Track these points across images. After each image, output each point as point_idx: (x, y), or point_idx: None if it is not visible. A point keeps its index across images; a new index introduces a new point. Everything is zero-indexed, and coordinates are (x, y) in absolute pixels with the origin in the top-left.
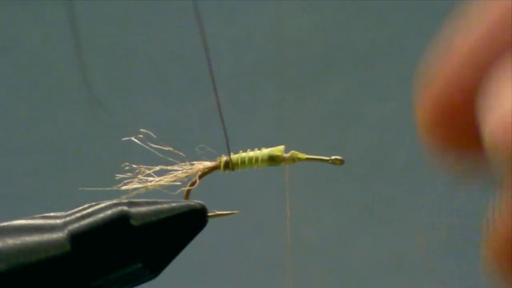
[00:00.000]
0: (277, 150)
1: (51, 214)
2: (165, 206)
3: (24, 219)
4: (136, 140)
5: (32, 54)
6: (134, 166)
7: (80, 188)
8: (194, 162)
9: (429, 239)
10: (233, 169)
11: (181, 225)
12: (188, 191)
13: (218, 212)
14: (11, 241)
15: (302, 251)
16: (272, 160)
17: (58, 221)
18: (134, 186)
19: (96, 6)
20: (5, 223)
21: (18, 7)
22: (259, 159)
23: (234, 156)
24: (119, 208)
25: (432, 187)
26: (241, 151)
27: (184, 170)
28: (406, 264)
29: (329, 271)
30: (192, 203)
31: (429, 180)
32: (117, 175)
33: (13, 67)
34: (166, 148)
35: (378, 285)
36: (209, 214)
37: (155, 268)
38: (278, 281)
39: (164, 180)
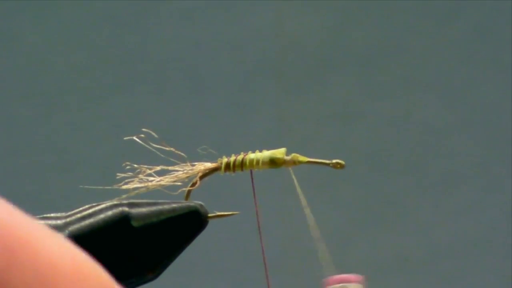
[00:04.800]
0: (279, 152)
1: (52, 214)
2: (166, 207)
3: None
4: (137, 140)
5: (32, 54)
6: (135, 165)
7: (81, 186)
8: (195, 163)
9: (429, 239)
10: (234, 171)
11: (182, 226)
12: (189, 191)
13: (218, 213)
14: None
15: (302, 251)
16: (273, 163)
17: (59, 221)
18: (135, 185)
19: (96, 6)
20: None
21: (19, 7)
22: (260, 161)
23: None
24: (120, 208)
25: (432, 187)
26: (242, 152)
27: (185, 171)
28: (406, 264)
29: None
30: (192, 204)
31: (429, 180)
32: (118, 174)
33: (13, 67)
34: (167, 148)
35: (378, 285)
36: (210, 215)
37: (155, 269)
38: (278, 281)
39: (165, 180)
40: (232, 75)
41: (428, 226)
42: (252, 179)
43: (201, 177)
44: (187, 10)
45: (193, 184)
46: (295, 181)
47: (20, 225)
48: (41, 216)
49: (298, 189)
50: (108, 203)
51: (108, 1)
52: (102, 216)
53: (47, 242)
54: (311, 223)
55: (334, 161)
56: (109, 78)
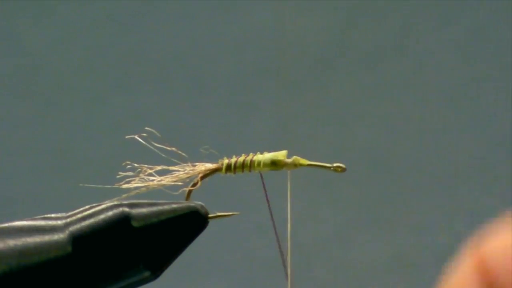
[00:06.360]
0: (280, 155)
1: (52, 215)
2: (166, 207)
3: (25, 220)
4: (139, 139)
5: (32, 54)
6: (135, 165)
7: (81, 185)
8: (196, 163)
9: (429, 239)
10: (234, 172)
11: (182, 226)
12: (190, 192)
13: (219, 213)
14: (12, 242)
15: (302, 251)
16: (274, 165)
17: (59, 222)
18: (136, 185)
19: (96, 6)
20: (5, 224)
21: (19, 7)
22: (261, 163)
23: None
24: (120, 209)
25: (432, 187)
26: (243, 154)
27: (185, 171)
28: (406, 264)
29: (329, 271)
30: (193, 204)
31: (429, 180)
32: (119, 173)
33: (13, 67)
34: (169, 148)
35: (378, 285)
36: (210, 215)
37: (156, 269)
38: (278, 281)
39: (166, 180)
40: (232, 75)
41: (428, 226)
42: (263, 182)
43: (202, 178)
44: (187, 10)
45: (194, 185)
46: (289, 186)
47: None
48: (42, 216)
49: (289, 195)
50: (109, 204)
51: (108, 1)
52: (102, 216)
53: None
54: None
55: (335, 164)
56: (109, 78)
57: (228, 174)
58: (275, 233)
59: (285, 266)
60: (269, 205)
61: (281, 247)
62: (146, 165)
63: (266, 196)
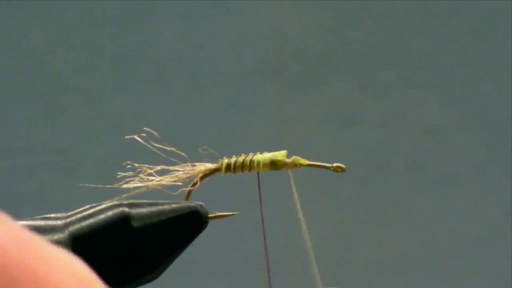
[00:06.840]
0: (280, 155)
1: (52, 215)
2: (166, 207)
3: (25, 220)
4: (138, 139)
5: (32, 54)
6: (135, 165)
7: (81, 185)
8: (196, 163)
9: (429, 239)
10: (234, 172)
11: (182, 226)
12: (189, 192)
13: (218, 213)
14: None
15: (302, 251)
16: (274, 165)
17: (59, 222)
18: (135, 185)
19: (96, 6)
20: None
21: (19, 7)
22: (261, 163)
23: (235, 159)
24: (120, 209)
25: (432, 187)
26: (243, 154)
27: (185, 171)
28: (406, 264)
29: (329, 271)
30: (192, 204)
31: (429, 180)
32: (118, 173)
33: (13, 67)
34: (168, 148)
35: (378, 285)
36: (210, 215)
37: (155, 269)
38: (278, 281)
39: (166, 180)
40: (232, 75)
41: (428, 226)
42: (258, 181)
43: (202, 178)
44: (187, 10)
45: (194, 185)
46: (293, 185)
47: (26, 252)
48: (41, 216)
49: (295, 194)
50: (109, 203)
51: (108, 1)
52: (102, 216)
53: (54, 271)
54: (304, 229)
55: (334, 164)
56: (109, 78)
57: (228, 174)
58: (263, 235)
59: (268, 268)
60: (261, 206)
61: (267, 248)
62: (146, 165)
63: (260, 197)
